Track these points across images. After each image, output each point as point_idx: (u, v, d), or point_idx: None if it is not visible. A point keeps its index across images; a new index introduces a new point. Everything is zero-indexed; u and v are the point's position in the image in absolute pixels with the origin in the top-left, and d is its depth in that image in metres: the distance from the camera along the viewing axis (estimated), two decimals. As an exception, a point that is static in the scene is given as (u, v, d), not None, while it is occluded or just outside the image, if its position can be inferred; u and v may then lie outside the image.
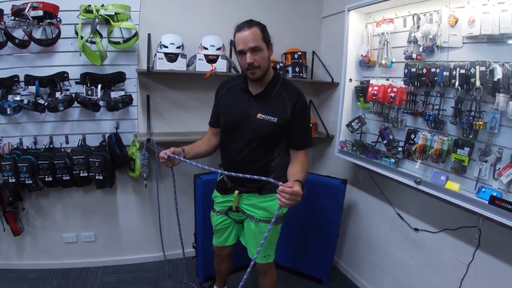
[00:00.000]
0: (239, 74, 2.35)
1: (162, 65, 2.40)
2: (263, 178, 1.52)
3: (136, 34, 2.38)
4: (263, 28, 1.69)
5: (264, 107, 1.76)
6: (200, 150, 1.94)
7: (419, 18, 1.95)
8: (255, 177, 1.54)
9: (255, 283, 2.47)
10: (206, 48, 2.49)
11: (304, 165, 1.77)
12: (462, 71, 1.66)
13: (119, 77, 2.48)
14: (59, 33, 2.26)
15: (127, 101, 2.42)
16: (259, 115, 1.76)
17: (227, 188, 1.96)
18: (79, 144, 2.52)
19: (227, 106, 1.89)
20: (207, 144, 1.99)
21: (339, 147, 2.56)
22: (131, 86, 2.56)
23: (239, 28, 1.66)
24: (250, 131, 1.78)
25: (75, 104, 2.35)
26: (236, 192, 1.90)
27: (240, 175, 1.61)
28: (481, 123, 1.61)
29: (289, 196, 1.42)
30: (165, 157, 1.71)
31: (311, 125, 2.19)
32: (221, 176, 1.99)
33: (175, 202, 2.07)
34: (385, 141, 2.22)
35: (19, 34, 2.22)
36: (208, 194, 2.11)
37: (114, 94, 2.43)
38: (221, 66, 2.51)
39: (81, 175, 2.34)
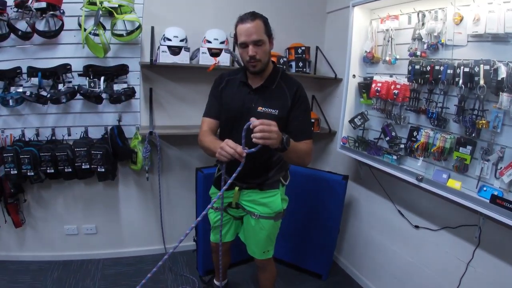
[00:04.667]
0: (237, 68, 2.34)
1: (165, 58, 2.39)
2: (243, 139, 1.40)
3: (139, 26, 2.37)
4: (265, 21, 1.67)
5: (265, 100, 1.74)
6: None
7: (424, 15, 1.95)
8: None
9: (254, 278, 2.50)
10: (209, 42, 2.48)
11: (302, 148, 1.67)
12: (466, 69, 1.66)
13: (122, 70, 2.47)
14: (62, 25, 2.25)
15: (129, 93, 2.42)
16: (259, 108, 1.73)
17: None
18: (81, 136, 2.52)
19: (227, 100, 1.84)
20: None
21: (341, 143, 2.56)
22: (134, 78, 2.55)
23: (242, 19, 1.64)
24: None
25: (78, 96, 2.35)
26: (237, 188, 1.88)
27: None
28: (484, 122, 1.61)
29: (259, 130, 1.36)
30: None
31: (312, 120, 2.15)
32: (219, 172, 1.93)
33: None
34: (387, 138, 2.22)
35: (22, 26, 2.21)
36: (210, 188, 2.10)
37: (117, 87, 2.42)
38: (224, 59, 2.50)
39: (83, 167, 2.34)
